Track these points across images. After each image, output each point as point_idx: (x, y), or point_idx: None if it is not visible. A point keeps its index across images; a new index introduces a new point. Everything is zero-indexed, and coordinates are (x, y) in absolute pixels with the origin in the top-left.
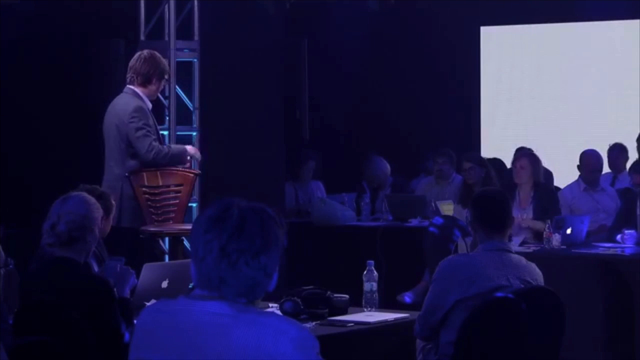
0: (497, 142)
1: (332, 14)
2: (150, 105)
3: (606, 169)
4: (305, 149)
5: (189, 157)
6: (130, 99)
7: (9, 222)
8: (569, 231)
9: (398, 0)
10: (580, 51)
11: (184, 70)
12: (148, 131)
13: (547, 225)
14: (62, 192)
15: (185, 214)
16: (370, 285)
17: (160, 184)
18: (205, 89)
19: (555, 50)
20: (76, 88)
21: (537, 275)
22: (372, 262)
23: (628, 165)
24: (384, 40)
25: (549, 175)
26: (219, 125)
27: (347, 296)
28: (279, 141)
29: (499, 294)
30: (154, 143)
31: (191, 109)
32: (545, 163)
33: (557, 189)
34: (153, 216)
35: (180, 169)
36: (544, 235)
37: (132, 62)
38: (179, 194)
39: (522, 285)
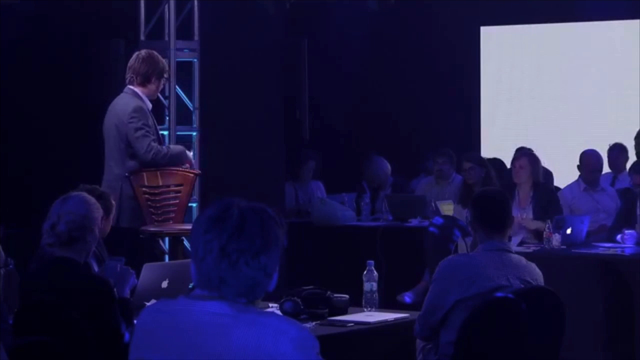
0: (497, 142)
1: (332, 14)
2: (150, 106)
3: (606, 169)
4: (305, 149)
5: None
6: (130, 99)
7: (9, 222)
8: (569, 231)
9: (398, 0)
10: (580, 51)
11: (184, 70)
12: (147, 131)
13: (547, 225)
14: (62, 192)
15: (185, 214)
16: (370, 285)
17: (160, 184)
18: (205, 89)
19: (555, 50)
20: (76, 88)
21: (537, 275)
22: (372, 262)
23: (628, 165)
24: (384, 40)
25: (549, 175)
26: (219, 125)
27: (347, 296)
28: (279, 141)
29: (499, 294)
30: (152, 143)
31: (191, 109)
32: (545, 163)
33: (557, 189)
34: (153, 216)
35: (180, 169)
36: (544, 235)
37: (130, 62)
38: (179, 194)
39: (522, 285)
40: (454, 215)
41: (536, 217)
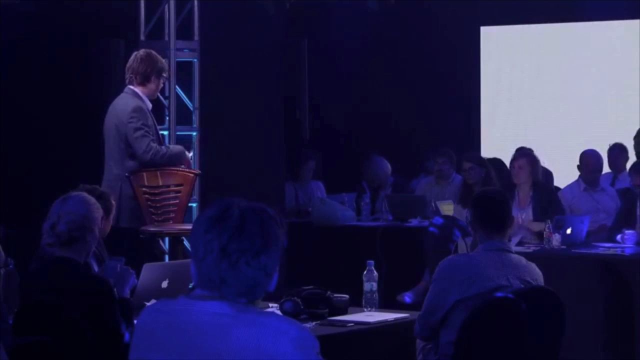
0: (497, 142)
1: (332, 14)
2: (150, 105)
3: (606, 169)
4: (305, 149)
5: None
6: (130, 99)
7: (9, 222)
8: (569, 231)
9: (398, 0)
10: (580, 51)
11: (184, 70)
12: (146, 131)
13: (547, 225)
14: (62, 192)
15: (185, 214)
16: (370, 285)
17: (160, 184)
18: (205, 89)
19: (555, 50)
20: (76, 88)
21: (537, 275)
22: (372, 262)
23: (628, 165)
24: (384, 40)
25: (549, 175)
26: (219, 125)
27: (347, 296)
28: (279, 141)
29: (499, 294)
30: (152, 144)
31: (191, 109)
32: (545, 163)
33: (557, 189)
34: (153, 216)
35: (180, 169)
36: (544, 235)
37: (129, 62)
38: (179, 194)
39: (522, 285)
40: (454, 215)
41: (536, 216)
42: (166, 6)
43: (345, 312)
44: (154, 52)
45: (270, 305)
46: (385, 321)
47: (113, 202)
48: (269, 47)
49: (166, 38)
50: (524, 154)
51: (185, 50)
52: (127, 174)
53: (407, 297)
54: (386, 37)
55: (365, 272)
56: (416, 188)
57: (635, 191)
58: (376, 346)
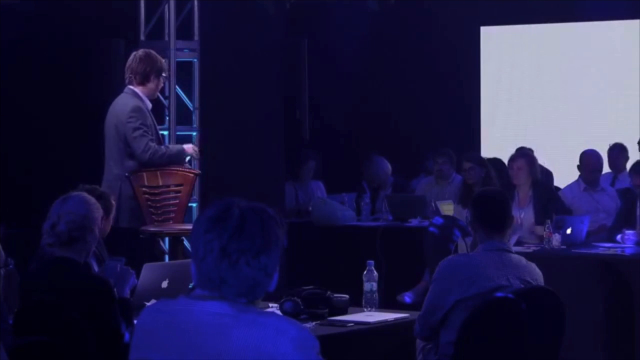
0: (497, 142)
1: (332, 14)
2: (149, 105)
3: (606, 169)
4: (305, 149)
5: (187, 157)
6: (130, 99)
7: (9, 222)
8: (569, 231)
9: (398, 0)
10: (580, 51)
11: (184, 70)
12: (145, 131)
13: (547, 225)
14: (62, 192)
15: (185, 214)
16: (370, 285)
17: (160, 184)
18: (205, 89)
19: (555, 50)
20: (76, 88)
21: (537, 275)
22: (372, 262)
23: (628, 165)
24: (384, 40)
25: (549, 175)
26: (219, 125)
27: (347, 296)
28: (279, 141)
29: (499, 294)
30: (150, 143)
31: (191, 109)
32: (545, 163)
33: (557, 188)
34: (153, 216)
35: (180, 169)
36: (544, 235)
37: (128, 62)
38: (179, 194)
39: (522, 285)
40: (454, 215)
41: (537, 216)
42: (166, 6)
43: (345, 312)
44: (153, 52)
45: (270, 305)
46: (385, 321)
47: (113, 202)
48: (269, 47)
49: (166, 38)
50: (522, 155)
51: (185, 50)
52: (127, 174)
53: (407, 297)
54: (386, 37)
55: (365, 272)
56: (416, 188)
57: (635, 191)
58: (376, 346)
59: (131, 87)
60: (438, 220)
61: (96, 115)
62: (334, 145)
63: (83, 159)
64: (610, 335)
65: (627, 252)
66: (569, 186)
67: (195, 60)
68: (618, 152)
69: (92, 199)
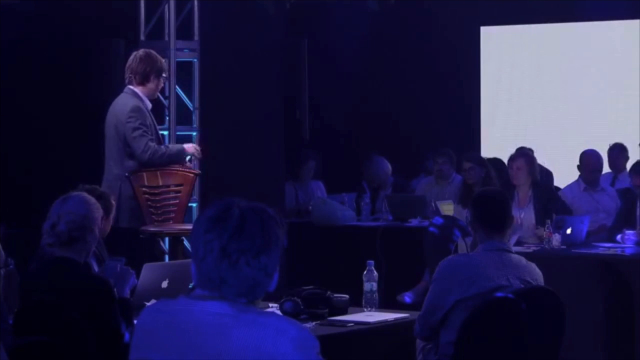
0: (497, 142)
1: (332, 14)
2: (149, 105)
3: (606, 169)
4: (305, 149)
5: (188, 157)
6: (129, 99)
7: (9, 222)
8: (569, 231)
9: (398, 0)
10: (580, 51)
11: (184, 70)
12: (145, 131)
13: (547, 225)
14: (62, 192)
15: (185, 214)
16: (370, 285)
17: (160, 184)
18: (205, 89)
19: (555, 50)
20: (76, 88)
21: (537, 275)
22: (372, 262)
23: (628, 165)
24: (384, 40)
25: (549, 175)
26: (219, 125)
27: (347, 296)
28: (279, 141)
29: (499, 294)
30: (150, 143)
31: (191, 109)
32: (545, 163)
33: (557, 188)
34: (153, 216)
35: (180, 169)
36: (544, 235)
37: (128, 62)
38: (179, 194)
39: (522, 285)
40: (454, 215)
41: (538, 216)
42: (166, 6)
43: (345, 312)
44: (153, 52)
45: (270, 305)
46: (385, 321)
47: (113, 202)
48: (269, 47)
49: (166, 38)
50: (522, 154)
51: (185, 50)
52: (127, 174)
53: (407, 297)
54: (386, 37)
55: (365, 272)
56: (416, 188)
57: (635, 191)
58: (376, 346)
59: (131, 87)
60: (438, 220)
61: (96, 115)
62: (334, 145)
63: (83, 159)
64: (610, 335)
65: (627, 252)
66: (569, 186)
67: (195, 60)
68: (618, 152)
69: (92, 199)
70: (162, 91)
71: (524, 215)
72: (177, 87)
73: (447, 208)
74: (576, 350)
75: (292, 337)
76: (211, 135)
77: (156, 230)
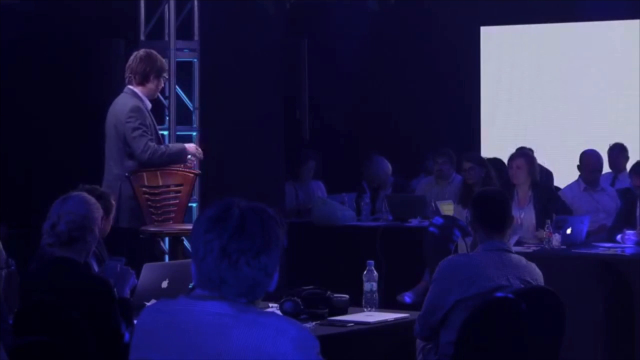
0: (497, 142)
1: (332, 14)
2: (149, 105)
3: (606, 169)
4: (305, 149)
5: (189, 156)
6: (129, 99)
7: (9, 222)
8: (569, 231)
9: (398, 0)
10: (580, 51)
11: (184, 70)
12: (144, 131)
13: (547, 225)
14: (62, 192)
15: (185, 214)
16: (370, 285)
17: (160, 184)
18: (205, 89)
19: (555, 50)
20: (76, 88)
21: (537, 275)
22: (372, 262)
23: (628, 165)
24: (384, 40)
25: (549, 175)
26: (219, 125)
27: (347, 296)
28: (279, 141)
29: (499, 294)
30: (149, 143)
31: (191, 109)
32: (545, 163)
33: (557, 188)
34: (153, 216)
35: (180, 169)
36: (544, 235)
37: (129, 62)
38: (179, 194)
39: (522, 285)
40: (454, 215)
41: (538, 216)
42: (166, 6)
43: (345, 312)
44: (154, 52)
45: (270, 305)
46: (385, 321)
47: (113, 202)
48: (269, 47)
49: (166, 38)
50: (522, 154)
51: (185, 50)
52: (127, 174)
53: (407, 297)
54: (386, 37)
55: (365, 272)
56: (416, 188)
57: (635, 191)
58: (376, 346)
59: (131, 87)
60: (438, 220)
61: (96, 115)
62: (334, 145)
63: (83, 159)
64: (610, 335)
65: (627, 252)
66: (569, 186)
67: (195, 60)
68: (618, 152)
69: (92, 199)
70: (162, 91)
71: (524, 215)
72: (177, 87)
73: (447, 208)
74: (576, 350)
75: (292, 337)
76: (211, 135)
77: (156, 230)
